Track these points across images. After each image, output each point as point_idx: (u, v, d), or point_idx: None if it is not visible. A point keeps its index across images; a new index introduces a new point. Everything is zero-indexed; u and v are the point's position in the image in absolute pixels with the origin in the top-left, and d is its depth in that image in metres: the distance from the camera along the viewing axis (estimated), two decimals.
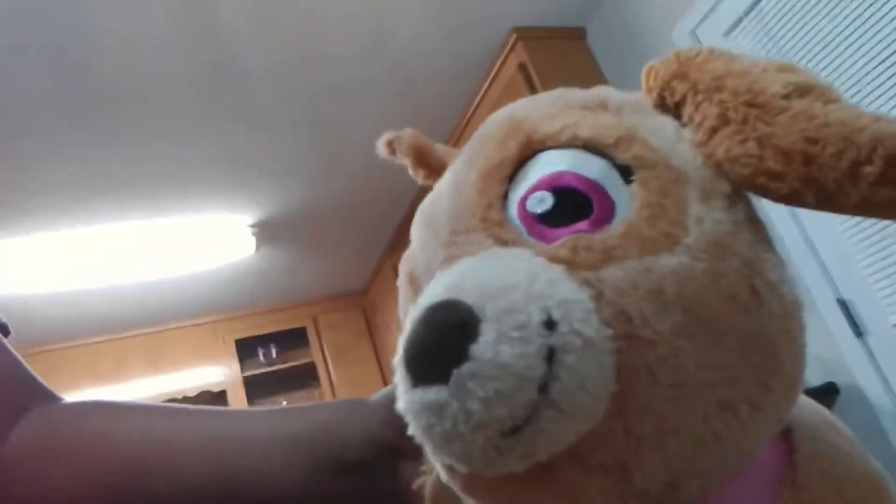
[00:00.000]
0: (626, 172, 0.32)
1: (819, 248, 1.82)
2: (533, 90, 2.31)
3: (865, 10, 1.61)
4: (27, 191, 2.41)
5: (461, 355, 0.26)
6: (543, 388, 0.26)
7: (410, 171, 0.49)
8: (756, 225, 0.33)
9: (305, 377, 4.39)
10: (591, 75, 2.45)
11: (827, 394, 1.85)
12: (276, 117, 2.46)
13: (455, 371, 0.26)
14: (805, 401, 0.40)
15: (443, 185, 0.39)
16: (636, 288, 0.29)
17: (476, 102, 2.68)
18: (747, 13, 1.90)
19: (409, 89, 2.54)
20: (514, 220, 0.33)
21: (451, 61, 2.46)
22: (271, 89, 2.30)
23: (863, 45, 1.64)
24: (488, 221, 0.34)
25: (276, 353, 4.36)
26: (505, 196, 0.34)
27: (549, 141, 0.34)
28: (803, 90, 0.31)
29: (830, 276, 1.81)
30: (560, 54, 2.44)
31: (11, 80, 1.90)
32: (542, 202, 0.32)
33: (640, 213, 0.31)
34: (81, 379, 3.70)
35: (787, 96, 0.31)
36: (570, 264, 0.30)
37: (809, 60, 1.75)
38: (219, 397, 4.12)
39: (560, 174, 0.33)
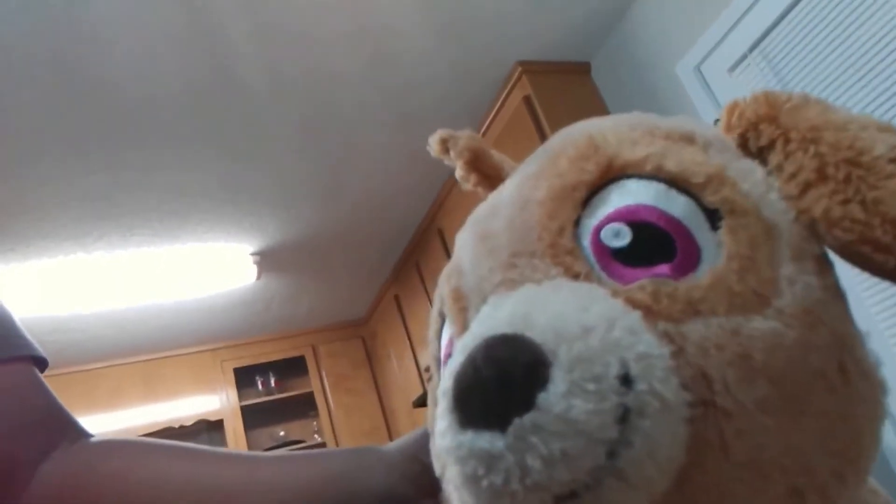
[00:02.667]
0: (712, 216, 0.29)
1: None
2: (537, 123, 2.32)
3: (872, 47, 1.62)
4: (27, 216, 2.41)
5: (526, 402, 0.23)
6: (612, 454, 0.23)
7: (459, 175, 0.45)
8: (842, 297, 0.30)
9: (304, 407, 4.34)
10: (595, 109, 2.45)
11: None
12: (279, 146, 2.47)
13: (517, 420, 0.23)
14: None
15: (501, 199, 0.35)
16: (722, 350, 0.26)
17: (480, 134, 2.68)
18: (752, 49, 1.90)
19: (412, 118, 2.54)
20: (587, 251, 0.30)
21: (455, 92, 2.47)
22: (274, 118, 2.31)
23: (869, 81, 1.64)
24: (558, 248, 0.30)
25: (274, 382, 4.32)
26: (577, 222, 0.31)
27: (631, 168, 0.31)
28: None
29: None
30: (565, 88, 2.44)
31: (14, 106, 1.90)
32: (620, 236, 0.29)
33: (729, 265, 0.28)
34: (77, 405, 3.65)
35: (894, 160, 0.28)
36: (649, 312, 0.27)
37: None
38: (216, 426, 4.07)
39: (641, 207, 0.29)
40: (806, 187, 0.29)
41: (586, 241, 0.30)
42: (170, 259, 3.00)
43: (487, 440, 0.23)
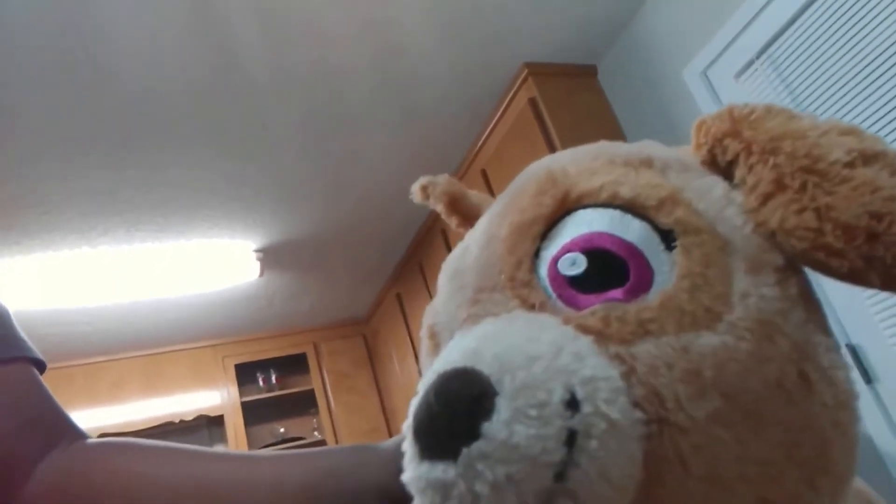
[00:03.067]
0: (667, 237, 0.30)
1: (829, 291, 1.80)
2: (543, 126, 2.32)
3: (880, 55, 1.62)
4: (32, 210, 2.42)
5: (472, 432, 0.24)
6: (560, 476, 0.24)
7: (444, 218, 0.47)
8: (810, 302, 0.30)
9: (304, 404, 4.35)
10: (601, 112, 2.45)
11: None
12: (283, 143, 2.47)
13: (464, 449, 0.24)
14: None
15: (473, 238, 0.37)
16: (671, 368, 0.26)
17: (485, 135, 2.68)
18: (759, 55, 1.90)
19: (417, 117, 2.54)
20: (544, 282, 0.31)
21: (460, 91, 2.47)
22: (279, 115, 2.31)
23: (876, 89, 1.64)
24: (516, 281, 0.32)
25: (275, 379, 4.33)
26: (537, 254, 0.32)
27: (587, 198, 0.32)
28: (868, 157, 0.28)
29: (840, 321, 1.79)
30: (570, 91, 2.44)
31: (20, 102, 1.91)
32: (575, 264, 0.30)
33: (680, 284, 0.28)
34: (79, 399, 3.67)
35: (850, 164, 0.28)
36: (601, 336, 0.28)
37: (821, 104, 1.75)
38: (216, 422, 4.08)
39: (596, 235, 0.30)
40: (765, 199, 0.30)
41: (544, 271, 0.31)
42: (173, 255, 3.01)
43: (441, 470, 0.25)
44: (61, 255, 2.75)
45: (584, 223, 0.31)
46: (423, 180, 0.46)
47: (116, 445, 0.50)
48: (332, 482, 0.46)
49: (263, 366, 4.30)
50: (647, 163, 0.34)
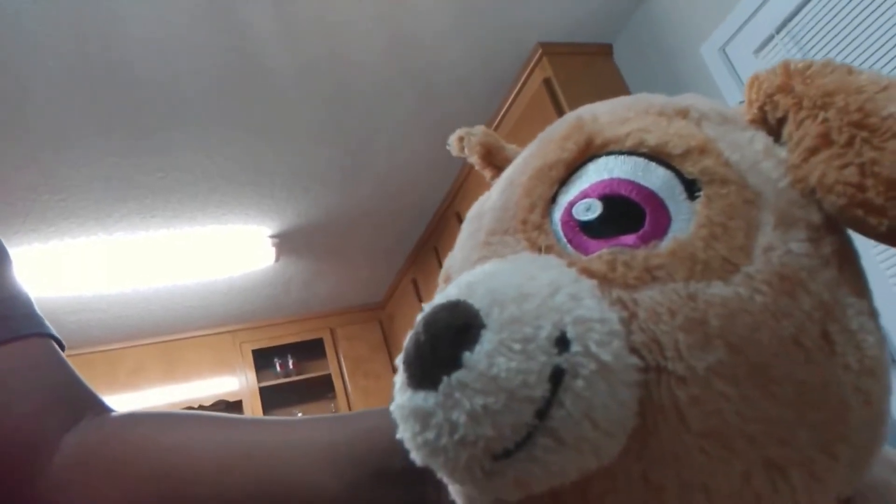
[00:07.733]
0: (692, 187, 0.29)
1: None
2: (558, 106, 2.29)
3: None
4: (49, 197, 2.43)
5: (455, 362, 0.24)
6: (543, 413, 0.23)
7: (478, 169, 0.46)
8: (847, 265, 0.28)
9: (321, 389, 4.37)
10: (617, 92, 2.39)
11: None
12: (299, 128, 2.46)
13: (445, 378, 0.24)
14: None
15: (496, 184, 0.37)
16: (674, 315, 0.25)
17: (500, 116, 2.65)
18: (779, 30, 1.86)
19: (432, 101, 2.52)
20: (556, 226, 0.30)
21: (475, 73, 2.45)
22: (294, 100, 2.30)
23: None
24: (527, 224, 0.31)
25: (292, 364, 4.35)
26: (555, 199, 0.31)
27: (612, 145, 0.31)
28: None
29: None
30: (586, 70, 2.41)
31: (38, 90, 1.91)
32: (589, 209, 0.29)
33: (697, 233, 0.27)
34: (98, 385, 3.68)
35: None
36: (605, 280, 0.27)
37: None
38: (234, 407, 4.11)
39: (615, 181, 0.29)
40: (809, 154, 0.28)
41: (558, 216, 0.31)
42: (190, 241, 3.02)
43: (422, 398, 0.25)
44: (78, 242, 2.77)
45: (605, 169, 0.30)
46: (459, 131, 0.46)
47: (145, 414, 0.50)
48: (368, 441, 0.45)
49: (280, 351, 4.32)
50: (683, 113, 0.32)
